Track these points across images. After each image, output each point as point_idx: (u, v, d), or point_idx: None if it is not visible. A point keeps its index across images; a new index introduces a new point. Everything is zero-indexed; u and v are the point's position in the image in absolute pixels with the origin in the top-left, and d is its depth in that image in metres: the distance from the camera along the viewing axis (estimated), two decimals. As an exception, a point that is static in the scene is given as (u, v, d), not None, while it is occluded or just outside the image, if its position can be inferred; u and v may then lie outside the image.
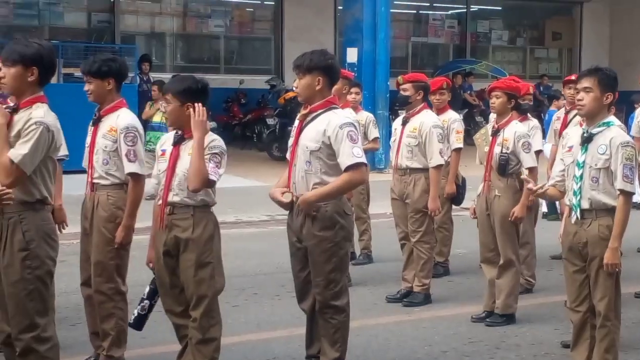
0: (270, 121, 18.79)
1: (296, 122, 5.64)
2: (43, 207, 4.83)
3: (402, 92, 7.86)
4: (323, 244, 5.44)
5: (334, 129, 5.36)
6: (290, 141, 5.61)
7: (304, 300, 5.69)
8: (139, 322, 5.50)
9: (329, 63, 5.54)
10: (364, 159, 5.40)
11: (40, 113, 4.76)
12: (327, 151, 5.39)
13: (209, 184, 5.13)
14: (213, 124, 19.50)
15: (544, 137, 9.26)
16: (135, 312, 5.50)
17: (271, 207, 11.58)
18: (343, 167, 5.33)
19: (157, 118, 13.32)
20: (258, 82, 20.59)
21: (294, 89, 18.87)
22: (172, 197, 5.24)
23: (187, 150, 5.21)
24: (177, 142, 5.27)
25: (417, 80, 7.95)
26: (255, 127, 19.56)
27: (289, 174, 5.54)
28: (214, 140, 5.24)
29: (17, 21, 19.87)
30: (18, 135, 4.70)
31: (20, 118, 4.74)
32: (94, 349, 5.93)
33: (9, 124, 4.74)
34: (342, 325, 5.58)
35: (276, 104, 19.15)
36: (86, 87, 5.85)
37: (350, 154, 5.32)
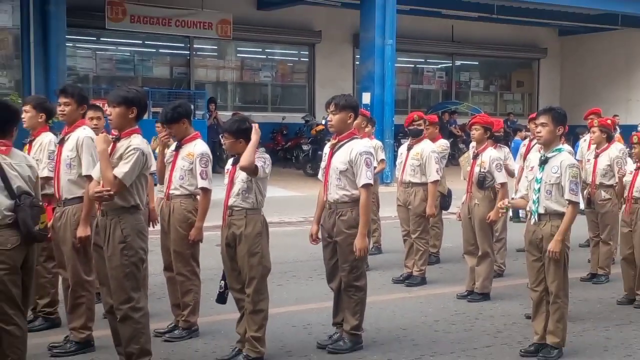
0: (305, 147, 18.86)
1: (327, 149, 5.63)
2: (137, 210, 4.82)
3: (417, 126, 7.90)
4: (349, 239, 5.42)
5: (356, 155, 5.37)
6: (323, 164, 5.60)
7: (332, 281, 5.67)
8: (221, 298, 5.38)
9: (356, 104, 5.59)
10: (372, 181, 5.43)
11: (137, 141, 4.78)
12: (352, 171, 5.40)
13: (255, 170, 5.06)
14: (262, 149, 19.61)
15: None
16: (218, 291, 5.43)
17: (305, 211, 11.57)
18: (359, 185, 5.36)
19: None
20: (296, 118, 20.63)
21: (322, 122, 18.91)
22: (231, 202, 5.25)
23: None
24: (234, 163, 5.27)
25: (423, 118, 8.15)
26: (294, 151, 19.63)
27: (325, 186, 5.53)
28: (264, 152, 5.31)
29: (118, 73, 20.01)
30: (120, 157, 4.72)
31: (122, 145, 4.77)
32: (175, 317, 5.93)
33: (112, 150, 4.79)
34: (361, 300, 5.56)
35: (309, 134, 19.21)
36: (165, 134, 5.90)
37: (365, 176, 5.35)
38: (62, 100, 5.45)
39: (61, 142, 5.48)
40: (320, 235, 5.65)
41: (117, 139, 4.81)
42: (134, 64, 20.36)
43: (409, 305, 7.03)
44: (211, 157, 5.93)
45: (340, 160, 5.43)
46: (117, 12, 18.24)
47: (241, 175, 5.17)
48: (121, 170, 4.67)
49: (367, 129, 8.40)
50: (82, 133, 5.39)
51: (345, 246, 5.44)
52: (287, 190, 15.55)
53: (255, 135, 5.10)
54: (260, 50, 22.32)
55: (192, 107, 16.07)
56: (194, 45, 20.67)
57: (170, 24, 19.25)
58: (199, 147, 5.83)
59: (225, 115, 19.12)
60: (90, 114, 6.10)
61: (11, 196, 4.35)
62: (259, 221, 5.23)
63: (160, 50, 20.86)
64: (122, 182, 4.66)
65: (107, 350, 5.27)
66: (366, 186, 5.37)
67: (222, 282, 5.36)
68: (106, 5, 17.93)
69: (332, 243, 5.54)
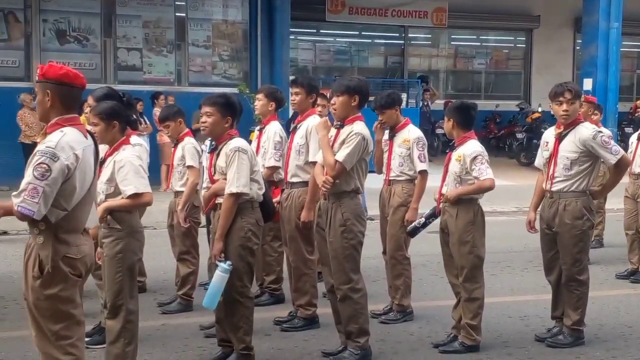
0: (519, 135, 18.23)
1: (547, 137, 5.39)
2: (356, 195, 4.90)
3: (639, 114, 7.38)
4: (573, 231, 5.17)
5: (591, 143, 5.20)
6: (546, 153, 5.32)
7: (551, 274, 5.43)
8: (413, 232, 5.40)
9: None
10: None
11: (360, 126, 4.84)
12: (582, 159, 5.22)
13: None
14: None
15: None
16: (412, 225, 5.43)
17: (519, 201, 11.20)
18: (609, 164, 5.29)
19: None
20: (510, 105, 19.98)
21: (539, 110, 18.22)
22: (444, 190, 5.20)
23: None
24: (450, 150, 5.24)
25: None
26: (507, 139, 19.06)
27: (548, 174, 5.30)
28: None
29: (336, 64, 20.58)
30: (342, 142, 4.83)
31: (345, 131, 4.86)
32: (391, 299, 6.01)
33: (336, 136, 4.88)
34: (583, 295, 5.29)
35: (524, 122, 18.58)
36: (381, 118, 5.87)
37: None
38: (293, 90, 5.71)
39: (293, 130, 5.74)
40: (537, 225, 5.43)
41: (341, 126, 4.91)
42: (350, 55, 20.81)
43: (634, 302, 6.58)
44: (426, 141, 5.93)
45: (568, 149, 5.18)
46: (337, 5, 18.74)
47: (455, 169, 5.10)
48: (342, 154, 4.75)
49: (594, 117, 7.92)
50: (312, 122, 5.57)
51: (568, 238, 5.19)
52: (500, 179, 14.92)
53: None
54: (475, 37, 21.85)
55: (406, 95, 16.19)
56: (409, 35, 20.72)
57: (386, 14, 19.43)
58: (413, 132, 5.86)
59: (438, 104, 19.07)
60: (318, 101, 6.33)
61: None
62: (472, 210, 5.13)
63: (376, 41, 21.12)
64: (342, 165, 4.74)
65: (328, 328, 5.46)
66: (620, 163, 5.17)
67: (423, 219, 5.28)
68: (326, -2, 18.51)
69: (552, 234, 5.30)
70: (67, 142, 3.37)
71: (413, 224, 5.39)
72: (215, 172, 4.67)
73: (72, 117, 3.49)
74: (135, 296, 4.55)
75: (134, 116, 4.80)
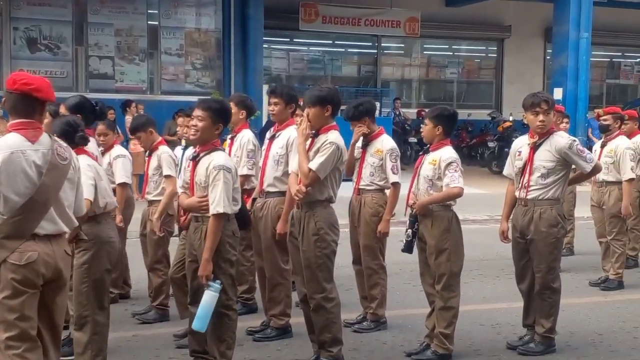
0: (490, 144, 18.37)
1: (518, 145, 5.43)
2: (329, 204, 4.90)
3: (602, 121, 7.44)
4: (548, 238, 5.20)
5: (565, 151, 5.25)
6: (519, 162, 5.34)
7: (523, 282, 5.46)
8: (409, 247, 5.24)
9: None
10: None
11: (334, 136, 4.84)
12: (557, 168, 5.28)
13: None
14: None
15: None
16: (404, 240, 5.28)
17: (491, 209, 11.26)
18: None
19: None
20: (482, 114, 20.14)
21: (510, 119, 18.38)
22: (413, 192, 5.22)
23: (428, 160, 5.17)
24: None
25: (615, 112, 7.52)
26: (479, 148, 19.21)
27: (522, 183, 5.32)
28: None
29: (309, 73, 20.61)
30: (317, 151, 4.82)
31: (319, 140, 4.85)
32: (363, 309, 6.00)
33: (311, 145, 4.87)
34: (556, 303, 5.34)
35: (495, 131, 18.73)
36: (358, 130, 5.80)
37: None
38: (272, 100, 5.66)
39: (272, 139, 5.68)
40: (509, 234, 5.46)
41: (316, 135, 4.89)
42: (324, 64, 20.85)
43: (605, 309, 6.65)
44: (399, 152, 5.94)
45: (544, 158, 5.21)
46: (310, 14, 18.78)
47: (428, 172, 5.12)
48: (316, 162, 4.74)
49: (562, 125, 8.01)
50: (294, 133, 5.49)
51: (543, 246, 5.23)
52: (472, 187, 15.21)
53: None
54: (447, 47, 22.04)
55: (379, 104, 16.25)
56: (382, 44, 20.82)
57: (359, 24, 19.51)
58: (387, 142, 5.85)
59: (410, 113, 19.17)
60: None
61: None
62: (447, 217, 5.14)
63: (349, 50, 21.20)
64: (316, 174, 4.73)
65: (301, 337, 5.44)
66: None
67: (410, 230, 5.19)
68: (300, 7, 18.53)
69: (524, 242, 5.34)
70: None
71: (405, 241, 5.26)
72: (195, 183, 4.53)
73: (21, 122, 3.55)
74: (106, 307, 4.49)
75: (84, 133, 4.61)
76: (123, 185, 6.25)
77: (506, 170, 5.56)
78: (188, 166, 4.67)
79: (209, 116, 4.49)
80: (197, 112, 4.53)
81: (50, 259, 3.54)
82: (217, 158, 4.45)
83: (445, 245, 5.08)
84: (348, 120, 5.87)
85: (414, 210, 5.15)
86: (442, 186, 5.06)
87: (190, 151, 5.27)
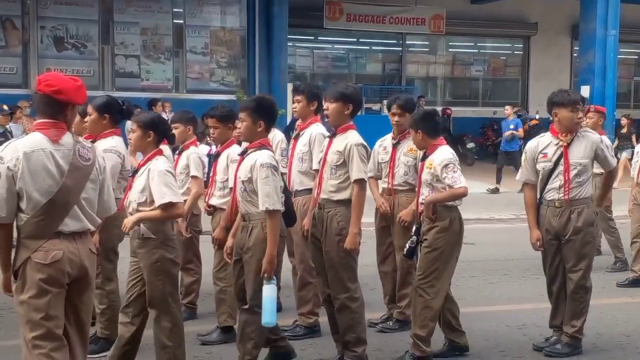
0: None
1: (553, 147, 5.32)
2: (350, 204, 4.83)
3: None
4: (586, 237, 5.15)
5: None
6: (548, 164, 5.26)
7: (554, 283, 5.34)
8: (411, 253, 5.18)
9: None
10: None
11: (355, 136, 4.84)
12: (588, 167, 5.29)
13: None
14: (472, 144, 19.26)
15: None
16: (407, 245, 5.21)
17: (516, 208, 11.14)
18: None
19: None
20: (508, 112, 20.01)
21: (536, 117, 18.18)
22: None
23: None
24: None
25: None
26: (505, 147, 19.05)
27: (565, 185, 5.23)
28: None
29: (333, 71, 20.60)
30: (337, 153, 4.80)
31: (338, 141, 4.85)
32: (388, 309, 5.97)
33: (329, 145, 4.89)
34: (587, 302, 5.28)
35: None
36: (397, 119, 5.81)
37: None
38: (295, 97, 5.67)
39: (296, 137, 5.68)
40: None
41: (334, 135, 4.90)
42: (348, 61, 20.85)
43: (633, 310, 6.56)
44: None
45: (580, 155, 5.15)
46: (335, 12, 18.77)
47: (427, 177, 5.08)
48: (356, 171, 4.73)
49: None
50: (316, 130, 5.50)
51: (581, 245, 5.15)
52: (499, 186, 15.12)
53: None
54: (472, 44, 21.91)
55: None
56: (406, 42, 20.74)
57: (384, 21, 19.46)
58: None
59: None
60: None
61: None
62: (448, 218, 5.01)
63: (373, 48, 21.16)
64: (364, 180, 4.77)
65: (326, 337, 5.42)
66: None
67: (414, 237, 5.12)
68: (325, 5, 18.51)
69: (557, 243, 5.24)
70: (15, 145, 3.53)
71: (407, 246, 5.19)
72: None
73: (45, 122, 3.60)
74: (178, 301, 4.57)
75: (172, 131, 4.86)
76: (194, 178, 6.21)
77: (524, 176, 5.35)
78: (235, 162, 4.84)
79: (248, 115, 4.57)
80: (240, 115, 4.67)
81: (75, 257, 3.56)
82: (263, 156, 4.50)
83: (439, 244, 4.95)
84: (399, 109, 5.73)
85: (422, 216, 5.06)
86: (442, 188, 4.97)
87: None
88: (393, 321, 5.87)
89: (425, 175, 5.04)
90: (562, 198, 5.13)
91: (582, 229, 5.11)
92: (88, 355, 4.67)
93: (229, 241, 4.82)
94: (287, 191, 4.77)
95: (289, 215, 4.72)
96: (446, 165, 4.91)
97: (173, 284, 4.53)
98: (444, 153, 4.99)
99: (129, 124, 6.22)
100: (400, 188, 5.77)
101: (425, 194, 5.06)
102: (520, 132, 15.23)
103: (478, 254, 8.29)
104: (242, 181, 4.52)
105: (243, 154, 4.65)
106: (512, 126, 15.30)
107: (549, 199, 5.21)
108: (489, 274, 7.41)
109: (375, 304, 6.18)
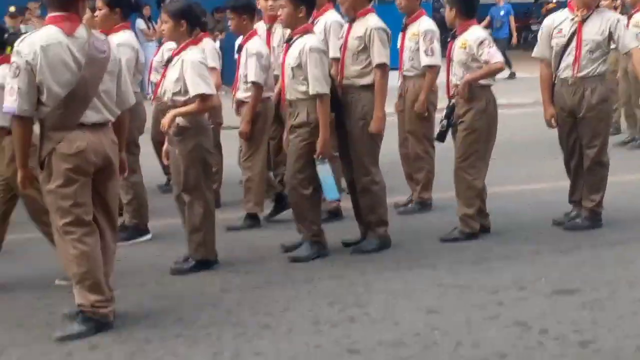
0: (534, 27, 17.98)
1: (569, 23, 5.27)
2: (373, 89, 4.88)
3: None
4: (601, 114, 5.16)
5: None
6: (554, 41, 5.26)
7: (572, 159, 5.41)
8: (441, 136, 5.24)
9: None
10: None
11: (375, 20, 4.86)
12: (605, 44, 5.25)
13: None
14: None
15: None
16: (437, 129, 5.35)
17: (536, 92, 11.05)
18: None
19: None
20: (525, -3, 19.54)
21: (554, 0, 17.62)
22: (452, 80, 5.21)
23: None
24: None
25: None
26: (522, 32, 18.76)
27: (574, 62, 5.21)
28: None
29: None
30: (358, 38, 4.84)
31: (358, 26, 4.86)
32: (412, 191, 6.08)
33: (349, 31, 4.91)
34: (605, 177, 5.34)
35: (539, 14, 18.22)
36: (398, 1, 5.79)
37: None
38: None
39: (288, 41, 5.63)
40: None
41: (353, 20, 4.91)
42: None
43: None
44: (437, 33, 5.81)
45: (594, 31, 5.09)
46: None
47: (461, 56, 5.06)
48: (380, 55, 4.77)
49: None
50: (330, 17, 5.58)
51: (597, 121, 5.17)
52: (517, 72, 14.97)
53: None
54: None
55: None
56: None
57: None
58: (423, 24, 5.75)
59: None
60: None
61: None
62: (485, 98, 5.12)
63: None
64: (387, 64, 4.81)
65: (347, 220, 5.54)
66: None
67: (445, 120, 5.17)
68: None
69: (573, 120, 5.25)
70: (32, 39, 3.54)
71: (439, 130, 5.25)
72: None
73: (58, 15, 3.58)
74: (211, 188, 4.72)
75: (204, 19, 4.83)
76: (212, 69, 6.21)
77: (539, 52, 5.34)
78: (282, 50, 4.91)
79: (289, 1, 4.60)
80: (280, 1, 4.72)
81: (99, 147, 3.66)
82: (310, 40, 4.58)
83: (477, 125, 5.03)
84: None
85: (455, 97, 5.08)
86: (477, 67, 4.97)
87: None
88: (414, 203, 5.97)
89: (460, 55, 5.03)
90: (572, 75, 5.13)
91: (596, 106, 5.11)
92: (118, 242, 4.86)
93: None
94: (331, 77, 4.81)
95: (333, 101, 4.77)
96: (482, 42, 4.95)
97: (207, 172, 4.63)
98: (477, 31, 5.04)
99: (139, 22, 6.20)
100: (409, 74, 5.80)
101: (458, 75, 5.05)
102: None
103: (498, 136, 8.27)
104: (292, 67, 4.59)
105: (289, 42, 4.70)
106: (502, 13, 14.81)
107: (562, 76, 5.21)
108: (508, 155, 7.45)
109: (397, 188, 6.26)
